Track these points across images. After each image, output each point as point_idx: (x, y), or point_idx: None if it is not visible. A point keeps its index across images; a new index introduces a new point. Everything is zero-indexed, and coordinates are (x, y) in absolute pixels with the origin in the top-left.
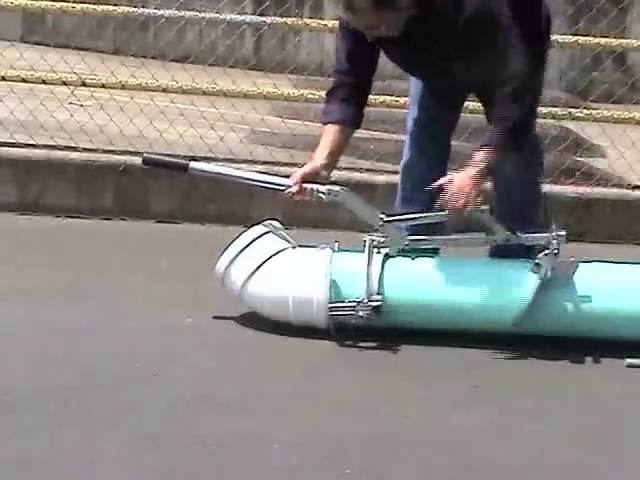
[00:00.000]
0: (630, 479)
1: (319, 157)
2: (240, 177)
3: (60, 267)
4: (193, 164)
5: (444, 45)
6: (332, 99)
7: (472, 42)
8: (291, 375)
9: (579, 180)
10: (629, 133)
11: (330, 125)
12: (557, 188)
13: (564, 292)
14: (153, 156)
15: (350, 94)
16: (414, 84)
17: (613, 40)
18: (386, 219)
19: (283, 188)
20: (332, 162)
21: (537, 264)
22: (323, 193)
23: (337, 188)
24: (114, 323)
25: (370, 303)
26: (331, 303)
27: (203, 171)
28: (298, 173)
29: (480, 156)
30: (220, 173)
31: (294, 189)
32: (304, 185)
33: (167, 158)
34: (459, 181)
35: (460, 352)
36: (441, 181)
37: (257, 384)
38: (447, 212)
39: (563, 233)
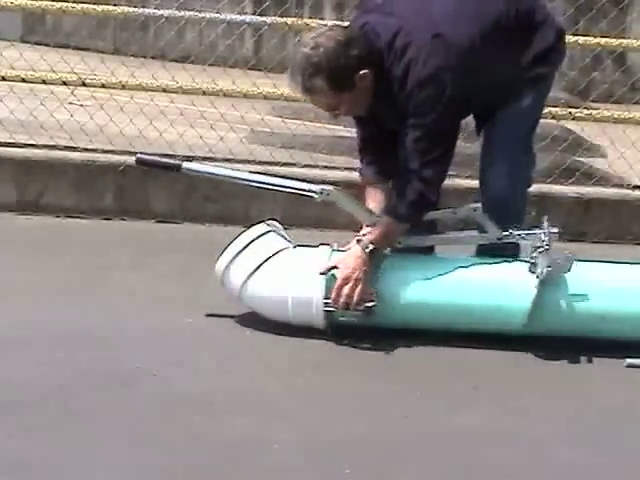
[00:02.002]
0: (630, 479)
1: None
2: (234, 177)
3: (60, 267)
4: (186, 164)
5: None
6: (364, 162)
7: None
8: (291, 375)
9: (579, 180)
10: (629, 133)
11: (369, 188)
12: (557, 188)
13: (564, 292)
14: (146, 156)
15: (377, 154)
16: None
17: (613, 40)
18: (379, 218)
19: (276, 188)
20: None
21: (533, 263)
22: (315, 192)
23: (329, 187)
24: (114, 323)
25: (364, 302)
26: (326, 299)
27: (196, 171)
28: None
29: (377, 233)
30: (213, 173)
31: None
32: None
33: (160, 158)
34: (345, 269)
35: (460, 352)
36: (329, 264)
37: (257, 384)
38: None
39: (555, 230)
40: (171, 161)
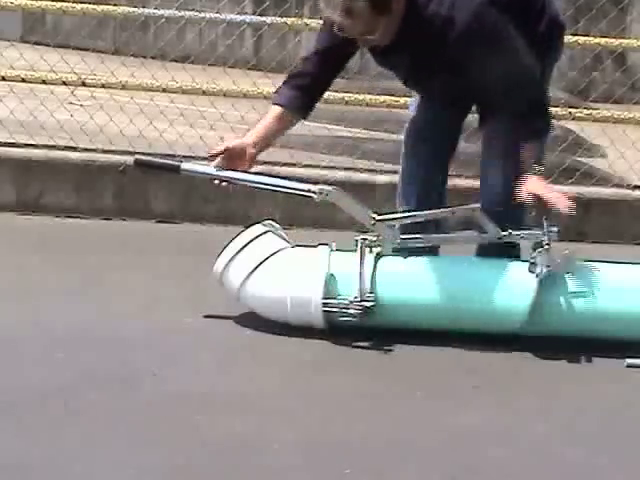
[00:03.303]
0: (630, 479)
1: (252, 135)
2: (232, 177)
3: (60, 267)
4: (185, 165)
5: (430, 56)
6: (289, 83)
7: (462, 57)
8: (291, 375)
9: (579, 180)
10: (629, 133)
11: (277, 107)
12: (557, 188)
13: (564, 292)
14: (144, 158)
15: (309, 85)
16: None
17: (613, 40)
18: (378, 218)
19: (275, 188)
20: (263, 143)
21: (533, 263)
22: (314, 193)
23: (328, 188)
24: (114, 323)
25: (362, 302)
26: (325, 299)
27: (195, 172)
28: (223, 145)
29: (528, 158)
30: (212, 174)
31: (213, 171)
32: (224, 173)
33: (159, 160)
34: (540, 187)
35: (460, 352)
36: (524, 195)
37: (257, 384)
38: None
39: (555, 229)
40: (169, 162)
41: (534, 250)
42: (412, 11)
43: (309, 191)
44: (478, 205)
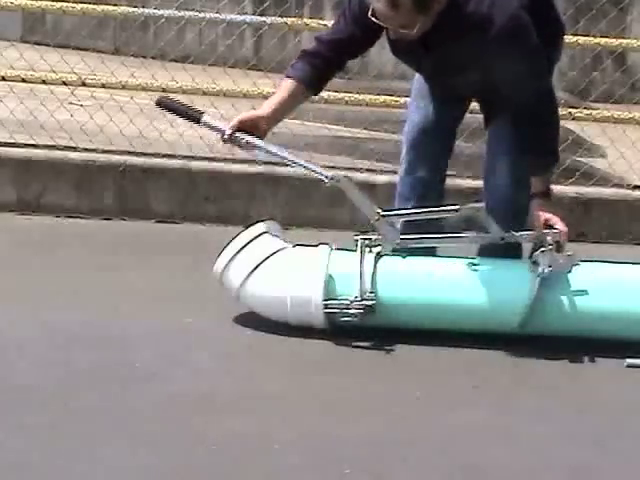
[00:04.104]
0: (630, 479)
1: (265, 108)
2: (247, 141)
3: (60, 267)
4: (206, 118)
5: (462, 53)
6: (304, 60)
7: (495, 55)
8: (291, 375)
9: (579, 180)
10: (629, 133)
11: (290, 81)
12: (557, 188)
13: (564, 292)
14: (167, 100)
15: (322, 65)
16: (417, 81)
17: (613, 40)
18: (383, 213)
19: (288, 162)
20: (276, 117)
21: (534, 262)
22: (326, 177)
23: (340, 174)
24: (114, 323)
25: (363, 302)
26: (325, 300)
27: (215, 127)
28: (237, 119)
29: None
30: (228, 133)
31: (227, 133)
32: (240, 135)
33: (181, 106)
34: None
35: (460, 352)
36: (543, 221)
37: (257, 384)
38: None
39: (557, 230)
40: (191, 112)
41: (535, 250)
42: (452, 8)
43: (321, 174)
44: (483, 205)
